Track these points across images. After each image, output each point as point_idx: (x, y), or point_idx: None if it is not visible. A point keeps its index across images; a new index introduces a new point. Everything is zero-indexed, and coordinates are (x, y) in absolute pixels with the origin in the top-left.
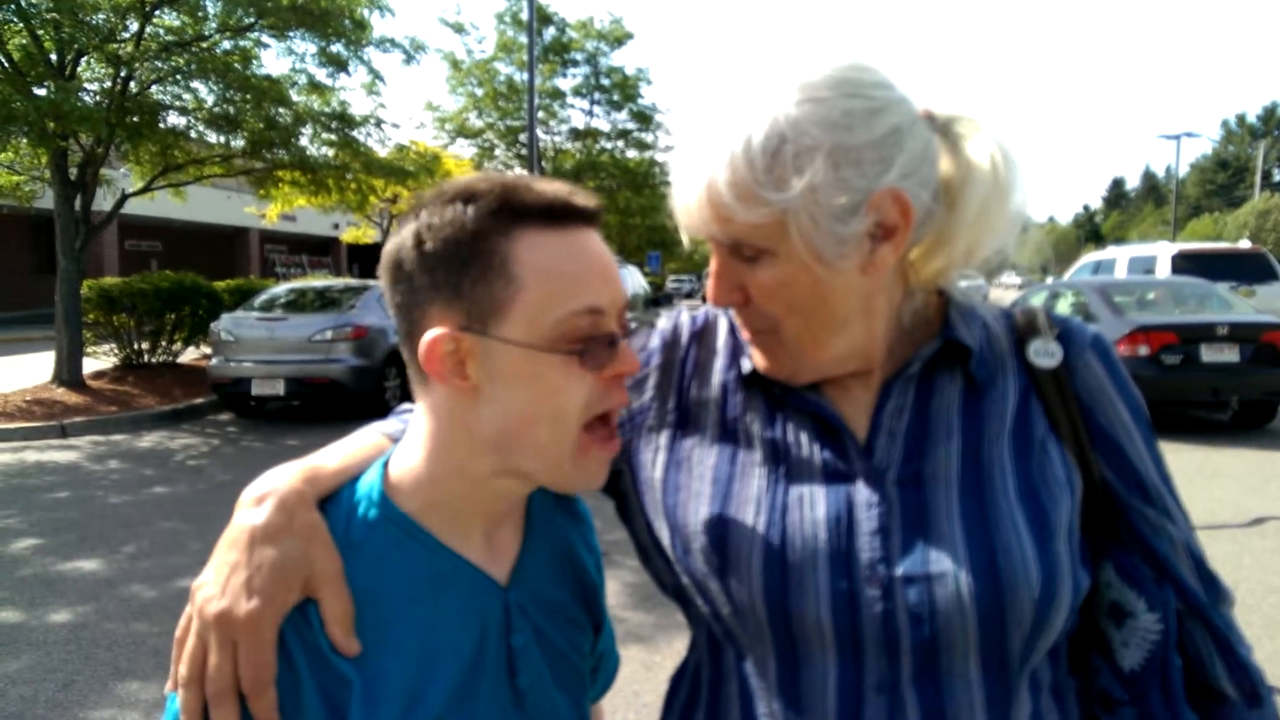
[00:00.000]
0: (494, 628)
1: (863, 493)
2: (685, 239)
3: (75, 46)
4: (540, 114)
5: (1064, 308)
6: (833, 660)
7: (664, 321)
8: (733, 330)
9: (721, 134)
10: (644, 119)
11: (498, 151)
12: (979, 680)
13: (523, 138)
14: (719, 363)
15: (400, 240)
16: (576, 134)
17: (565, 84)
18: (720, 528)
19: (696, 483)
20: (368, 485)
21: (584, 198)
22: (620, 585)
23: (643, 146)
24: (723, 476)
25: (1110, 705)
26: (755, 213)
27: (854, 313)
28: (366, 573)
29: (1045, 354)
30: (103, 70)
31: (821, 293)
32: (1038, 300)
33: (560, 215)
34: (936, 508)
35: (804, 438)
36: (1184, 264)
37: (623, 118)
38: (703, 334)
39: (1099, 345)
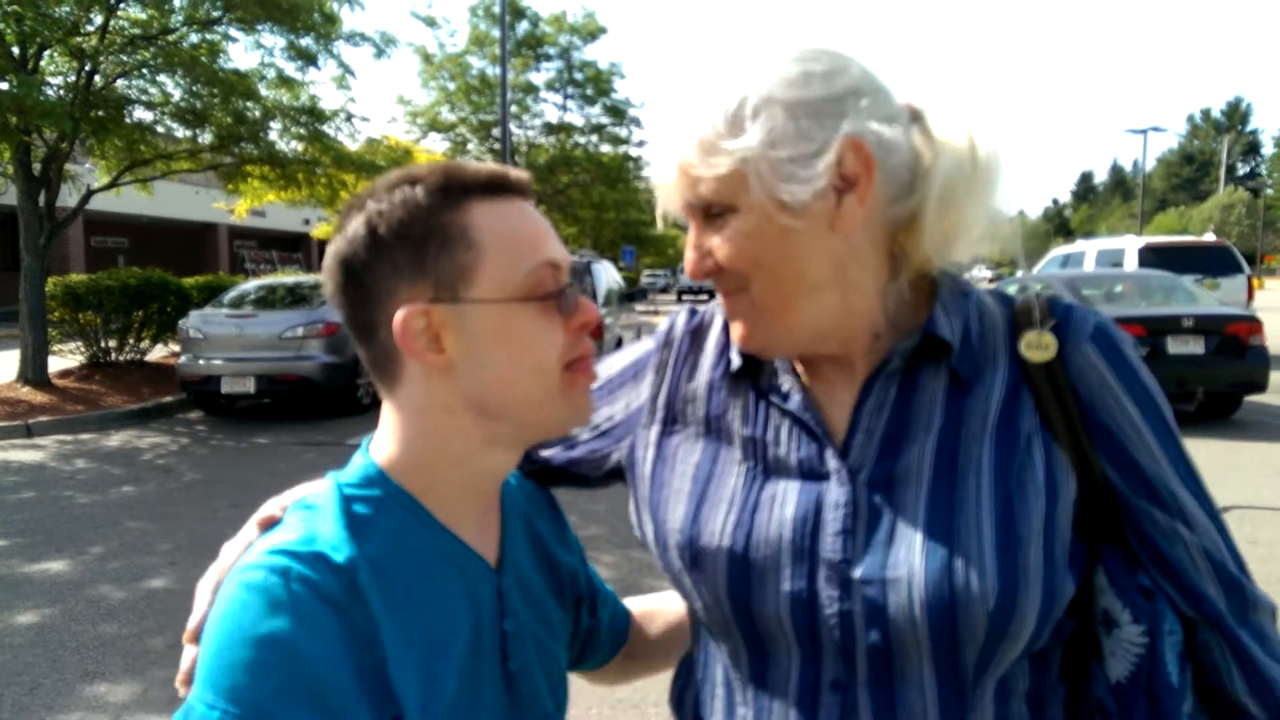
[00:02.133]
0: (488, 612)
1: (833, 492)
2: (660, 224)
3: (38, 39)
4: (513, 108)
5: None
6: (795, 657)
7: (663, 322)
8: (726, 327)
9: (690, 115)
10: (617, 113)
11: (470, 146)
12: (933, 687)
13: (495, 132)
14: (708, 360)
15: (348, 238)
16: (550, 128)
17: (538, 78)
18: (694, 525)
19: (678, 480)
20: (359, 468)
21: (516, 172)
22: None
23: (616, 141)
24: (703, 474)
25: (1106, 716)
26: (716, 162)
27: (826, 277)
28: (380, 547)
29: (1037, 347)
30: (66, 64)
31: (788, 247)
32: (1010, 292)
33: (501, 187)
34: (904, 509)
35: (783, 435)
36: (1151, 257)
37: (596, 112)
38: (697, 331)
39: (1101, 336)
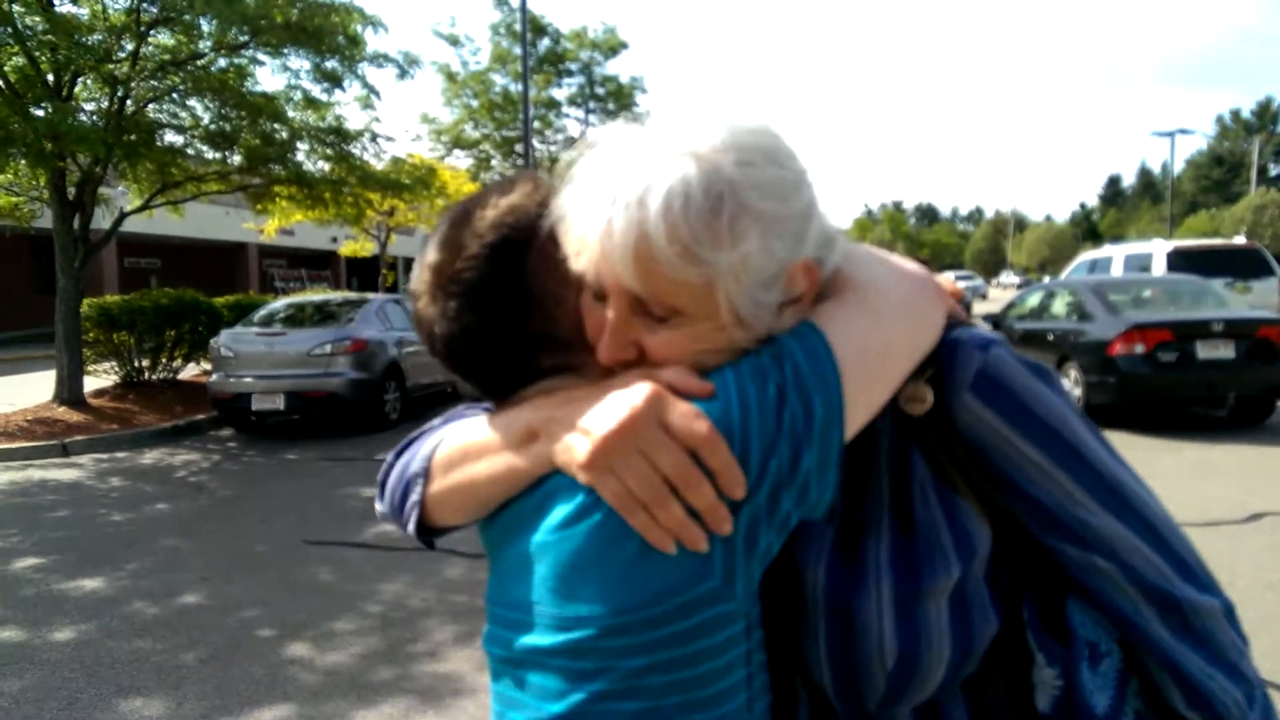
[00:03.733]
0: None
1: None
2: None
3: (72, 68)
4: (536, 124)
5: (1059, 308)
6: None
7: None
8: None
9: (656, 180)
10: None
11: (494, 162)
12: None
13: (519, 148)
14: None
15: (497, 266)
16: (572, 143)
17: (560, 94)
18: None
19: None
20: None
21: None
22: None
23: None
24: None
25: None
26: (690, 270)
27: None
28: None
29: (914, 399)
30: (99, 90)
31: (726, 351)
32: (1034, 299)
33: None
34: (814, 572)
35: None
36: (1179, 261)
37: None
38: None
39: (983, 383)
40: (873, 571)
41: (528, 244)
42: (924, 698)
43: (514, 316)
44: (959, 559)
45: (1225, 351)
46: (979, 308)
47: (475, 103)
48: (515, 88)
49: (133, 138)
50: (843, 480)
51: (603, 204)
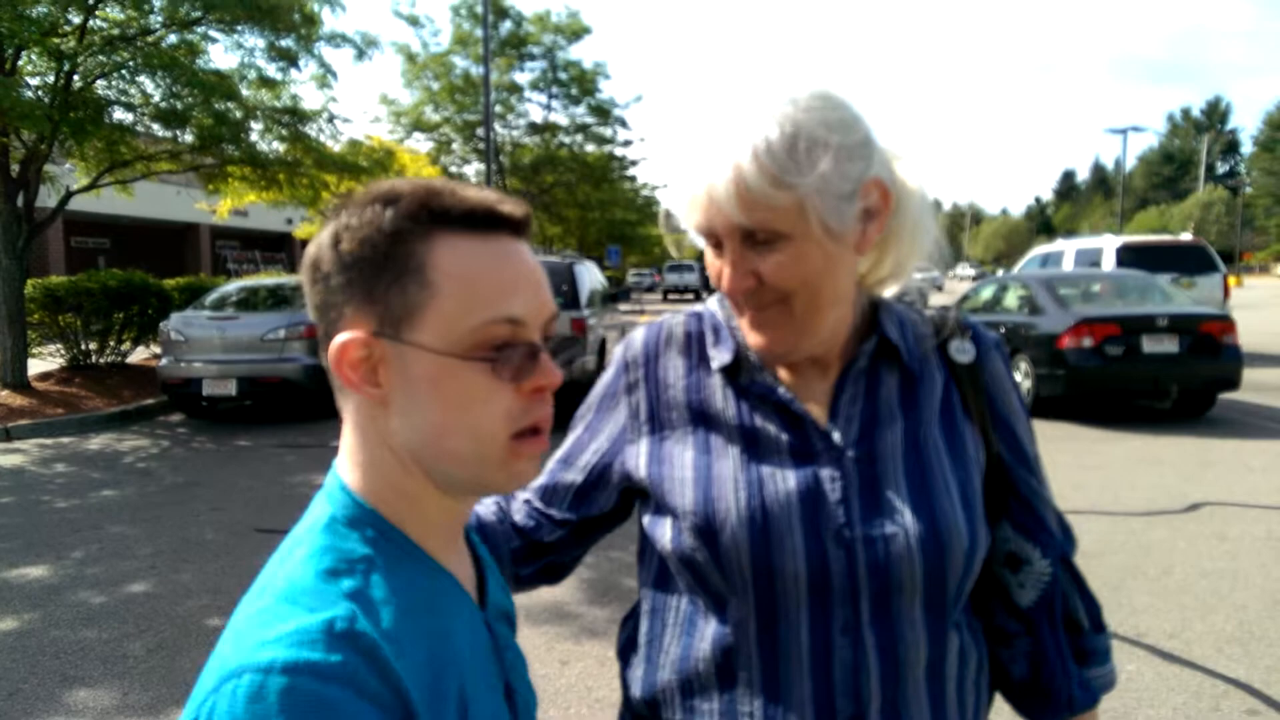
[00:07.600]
0: (483, 647)
1: (826, 469)
2: (692, 230)
3: (15, 41)
4: (497, 108)
5: (1011, 301)
6: (805, 611)
7: (619, 350)
8: (691, 339)
9: (740, 135)
10: (602, 113)
11: (454, 145)
12: (922, 620)
13: (480, 132)
14: (683, 367)
15: (319, 239)
16: (534, 128)
17: (522, 78)
18: (706, 503)
19: (679, 471)
20: (342, 503)
21: (511, 206)
22: (577, 581)
23: (601, 140)
24: (701, 463)
25: (1006, 639)
26: (781, 195)
27: (844, 293)
28: (388, 605)
29: (963, 351)
30: (45, 65)
31: (829, 266)
32: (987, 293)
33: (483, 222)
34: (887, 481)
35: (770, 424)
36: (1128, 256)
37: (581, 112)
38: (661, 351)
39: (1000, 346)
40: (939, 476)
41: (334, 259)
42: (969, 589)
43: (312, 311)
44: (978, 469)
45: (1170, 346)
46: (935, 300)
47: (436, 85)
48: (476, 70)
49: (80, 114)
50: (905, 413)
51: (705, 169)
